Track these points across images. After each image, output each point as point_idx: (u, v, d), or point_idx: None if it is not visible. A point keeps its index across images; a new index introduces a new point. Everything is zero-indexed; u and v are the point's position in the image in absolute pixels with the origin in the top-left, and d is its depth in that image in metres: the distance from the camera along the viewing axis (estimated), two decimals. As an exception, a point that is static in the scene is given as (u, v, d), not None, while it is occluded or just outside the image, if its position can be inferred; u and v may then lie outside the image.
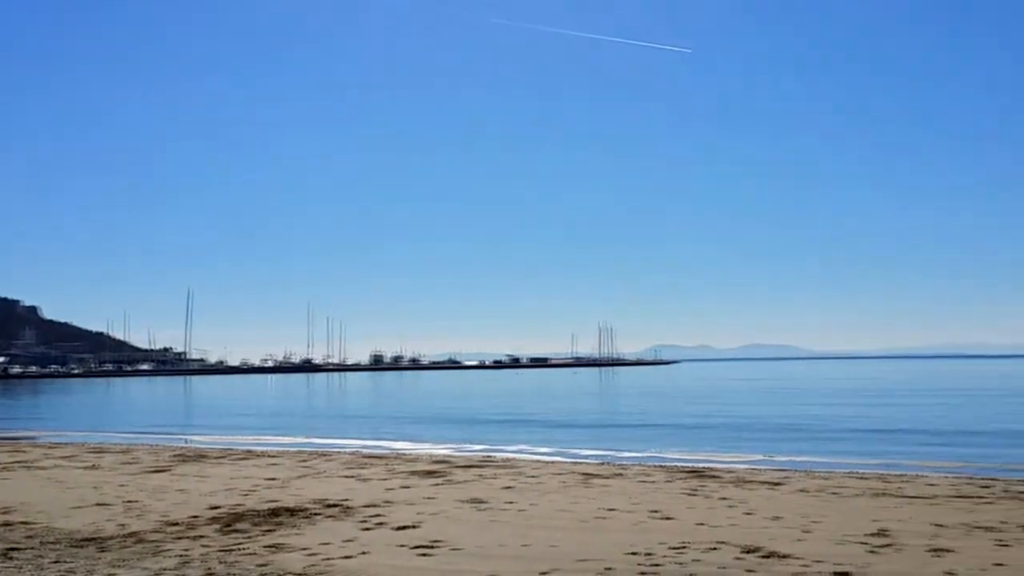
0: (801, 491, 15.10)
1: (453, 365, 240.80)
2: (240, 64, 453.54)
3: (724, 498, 14.10)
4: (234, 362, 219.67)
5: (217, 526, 11.72)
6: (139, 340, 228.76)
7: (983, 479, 17.34)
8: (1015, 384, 77.20)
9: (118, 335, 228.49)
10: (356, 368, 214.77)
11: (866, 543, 10.10)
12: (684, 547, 9.87)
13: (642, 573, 8.67)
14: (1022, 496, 14.40)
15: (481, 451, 25.10)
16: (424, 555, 9.70)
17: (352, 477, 17.47)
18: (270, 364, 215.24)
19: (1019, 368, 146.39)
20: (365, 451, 24.79)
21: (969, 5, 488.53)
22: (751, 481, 16.56)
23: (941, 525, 11.38)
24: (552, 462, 21.16)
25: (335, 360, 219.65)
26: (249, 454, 23.24)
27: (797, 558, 9.22)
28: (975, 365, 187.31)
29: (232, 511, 13.02)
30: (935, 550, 9.65)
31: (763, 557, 9.31)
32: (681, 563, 9.07)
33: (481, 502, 13.72)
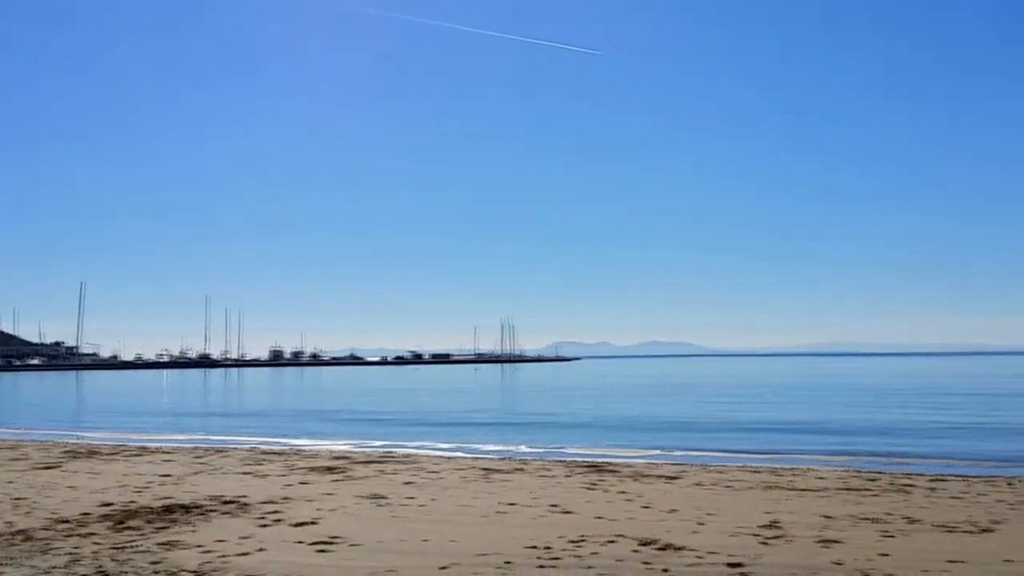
0: (697, 485, 15.42)
1: (354, 361, 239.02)
2: (131, 55, 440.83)
3: (622, 492, 14.31)
4: (128, 357, 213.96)
5: (109, 523, 11.42)
6: (28, 334, 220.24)
7: (870, 472, 17.94)
8: (901, 382, 79.91)
9: (7, 328, 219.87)
10: (255, 363, 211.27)
11: (758, 535, 10.37)
12: (583, 540, 9.99)
13: (541, 566, 8.75)
14: (907, 489, 14.95)
15: (382, 447, 24.97)
16: (322, 551, 9.61)
17: (249, 474, 17.20)
18: (166, 359, 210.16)
19: (906, 365, 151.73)
20: (263, 447, 24.44)
21: None
22: (648, 475, 16.83)
23: (830, 517, 11.75)
24: (453, 457, 21.16)
25: (233, 355, 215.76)
26: (143, 450, 22.68)
27: (692, 550, 9.42)
28: (864, 362, 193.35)
29: (125, 508, 12.71)
30: (824, 541, 9.96)
31: (659, 549, 9.48)
32: (579, 556, 9.18)
33: (381, 498, 13.66)
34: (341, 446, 25.38)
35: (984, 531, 10.75)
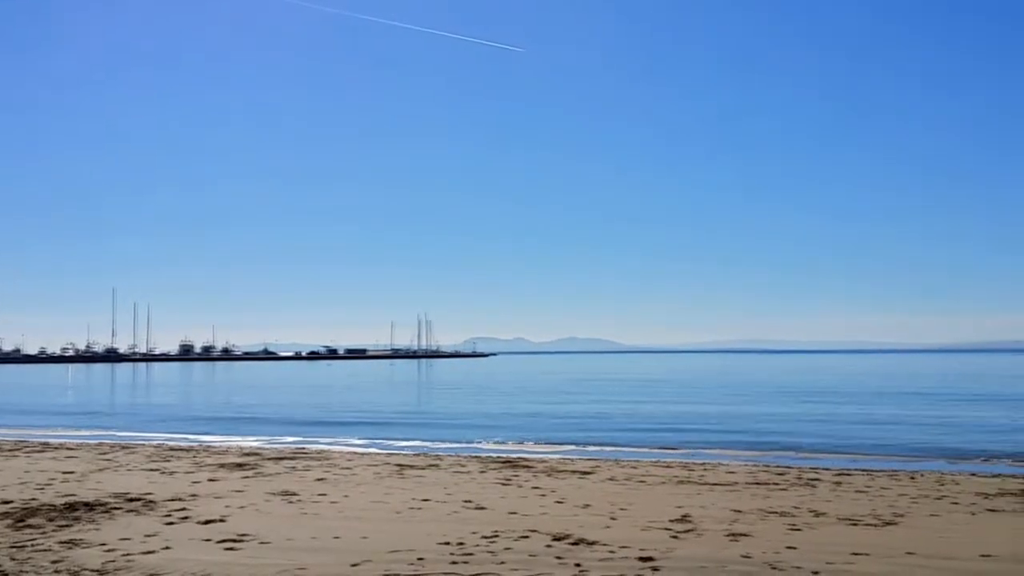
0: (610, 479, 15.54)
1: (267, 356, 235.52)
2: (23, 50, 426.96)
3: (536, 487, 14.35)
4: (32, 350, 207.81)
5: (8, 521, 11.03)
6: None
7: (778, 467, 18.30)
8: (809, 377, 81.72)
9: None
10: (164, 358, 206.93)
11: (670, 528, 10.47)
12: (496, 536, 9.97)
13: (454, 563, 8.70)
14: (813, 483, 15.28)
15: (294, 443, 24.65)
16: (230, 549, 9.42)
17: (156, 470, 16.81)
18: (71, 353, 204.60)
19: (814, 362, 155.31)
20: (170, 443, 23.92)
21: None
22: (562, 471, 16.91)
23: (739, 511, 11.93)
24: (366, 453, 21.00)
25: (141, 349, 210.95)
26: (45, 447, 21.99)
27: (604, 544, 9.47)
28: (773, 359, 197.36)
29: (25, 506, 12.29)
30: (733, 534, 10.11)
31: (572, 544, 9.51)
32: (492, 552, 9.15)
33: (292, 495, 13.46)
34: (252, 442, 24.98)
35: (887, 524, 11.02)
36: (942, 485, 15.24)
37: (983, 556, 8.95)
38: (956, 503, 12.96)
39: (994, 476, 17.09)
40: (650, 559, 8.78)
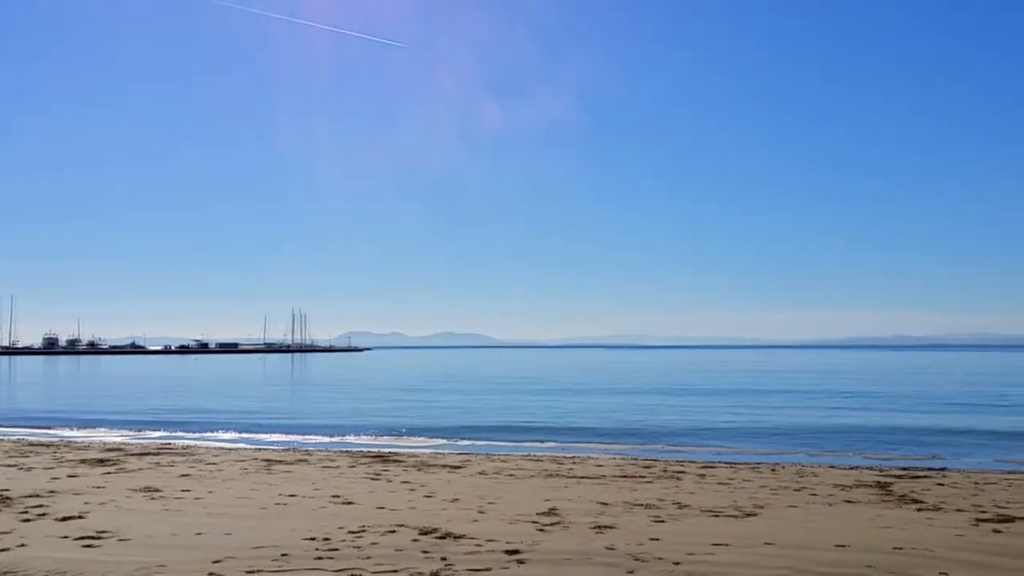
0: (480, 474, 15.57)
1: (135, 350, 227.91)
2: None
3: (406, 482, 14.27)
4: None
5: None
6: None
7: (646, 460, 18.66)
8: (677, 374, 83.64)
9: None
10: (27, 352, 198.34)
11: (537, 522, 10.54)
12: (363, 531, 9.86)
13: (319, 558, 8.56)
14: (678, 476, 15.62)
15: (159, 439, 23.96)
16: (89, 546, 9.05)
17: (13, 466, 16.08)
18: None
19: (689, 357, 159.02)
20: (30, 439, 22.96)
21: None
22: (433, 465, 16.87)
23: (605, 503, 12.10)
24: (234, 449, 20.54)
25: (3, 343, 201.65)
26: None
27: (472, 538, 9.46)
28: (648, 355, 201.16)
29: None
30: (598, 527, 10.23)
31: (439, 538, 9.47)
32: (359, 547, 9.04)
33: (155, 491, 13.04)
34: (115, 438, 24.17)
35: (748, 515, 11.33)
36: (801, 477, 15.77)
37: (838, 546, 9.26)
38: (815, 495, 13.41)
39: (851, 468, 17.77)
40: (516, 552, 8.81)
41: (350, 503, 11.98)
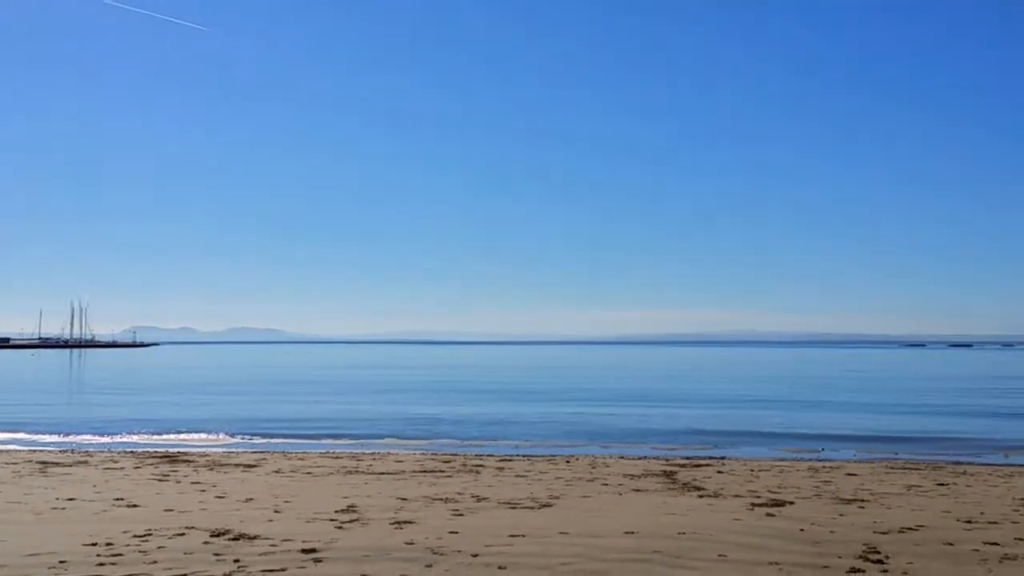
0: (276, 472, 15.23)
1: None
2: None
3: (196, 482, 13.77)
4: None
5: None
6: None
7: (445, 455, 18.76)
8: (472, 371, 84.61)
9: None
10: None
11: (335, 519, 10.39)
12: (149, 534, 9.42)
13: (101, 564, 8.12)
14: (477, 469, 15.79)
15: (-81, 442, 22.15)
16: None
17: None
18: None
19: (485, 353, 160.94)
20: None
21: None
22: (225, 464, 16.36)
23: (405, 499, 12.08)
24: (5, 451, 19.23)
25: None
26: None
27: (266, 538, 9.22)
28: (441, 350, 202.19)
29: None
30: (398, 522, 10.20)
31: (232, 539, 9.17)
32: (144, 551, 8.64)
33: (-87, 498, 12.04)
34: None
35: (544, 506, 11.58)
36: (594, 468, 16.27)
37: (627, 533, 9.60)
38: (606, 484, 13.87)
39: (640, 458, 18.48)
40: (313, 551, 8.65)
41: (135, 506, 11.43)
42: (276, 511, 11.04)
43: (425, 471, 15.49)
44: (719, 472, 15.74)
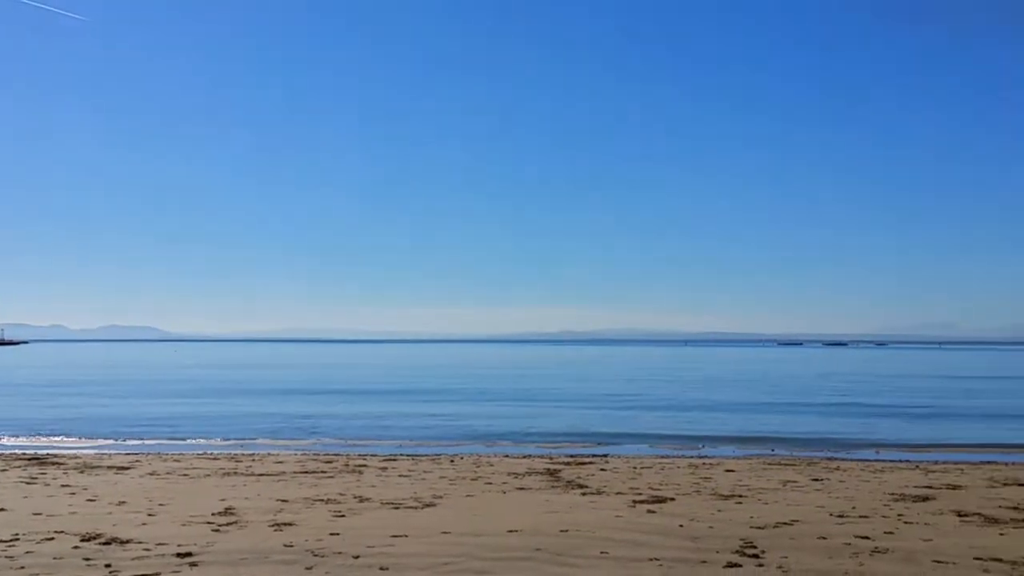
0: (151, 474, 14.80)
1: None
2: None
3: (66, 485, 13.28)
4: None
5: None
6: None
7: (327, 455, 18.52)
8: (354, 369, 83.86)
9: None
10: None
11: (212, 522, 10.14)
12: (16, 539, 9.04)
13: (-39, 573, 7.76)
14: (360, 469, 15.66)
15: None
16: None
17: None
18: None
19: (361, 351, 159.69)
20: None
21: None
22: (97, 466, 15.82)
23: (285, 500, 11.88)
24: None
25: None
26: None
27: (140, 542, 8.93)
28: (324, 349, 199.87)
29: None
30: (277, 524, 10.01)
31: (103, 544, 8.86)
32: (11, 556, 8.29)
33: None
34: None
35: (427, 505, 11.54)
36: (478, 467, 16.29)
37: (510, 531, 9.63)
38: (490, 483, 13.90)
39: (524, 457, 18.59)
40: (188, 554, 8.43)
41: (1, 510, 10.95)
42: (150, 514, 10.72)
43: (306, 472, 15.26)
44: (602, 470, 15.93)
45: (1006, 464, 17.74)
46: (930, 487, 13.70)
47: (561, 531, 9.66)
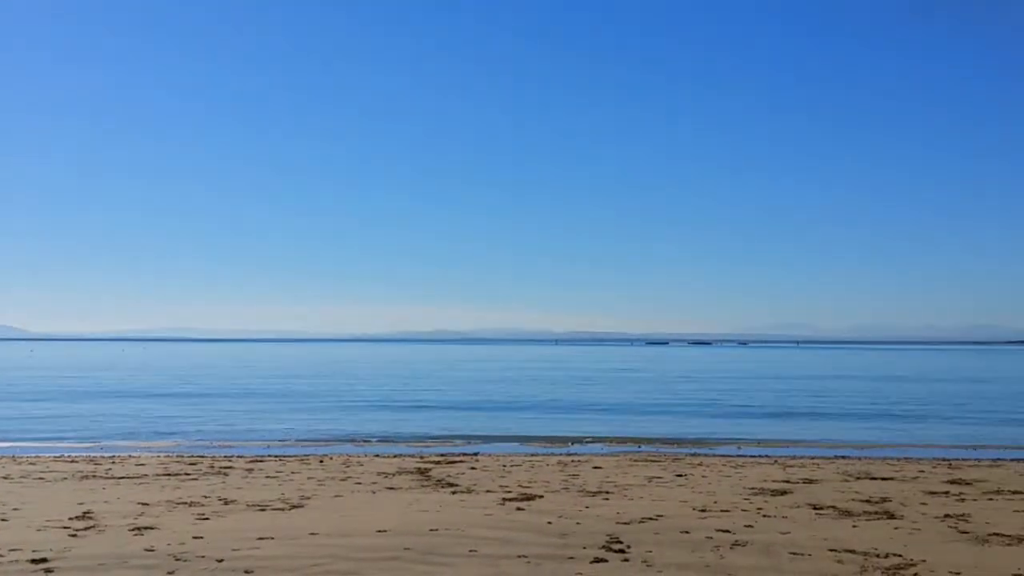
0: (4, 478, 14.21)
1: None
2: None
3: (-91, 491, 12.63)
4: None
5: None
6: None
7: (191, 456, 18.10)
8: (225, 368, 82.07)
9: None
10: None
11: (68, 527, 9.80)
12: None
13: None
14: (226, 471, 15.34)
15: None
16: None
17: None
18: None
19: (238, 350, 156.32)
20: None
21: None
22: (-55, 471, 15.10)
23: (146, 503, 11.56)
24: None
25: None
26: None
27: (-10, 549, 8.58)
28: (194, 347, 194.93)
29: None
30: (137, 528, 9.73)
31: (-50, 552, 8.48)
32: None
33: None
34: None
35: (294, 507, 11.40)
36: (348, 467, 16.17)
37: (379, 531, 9.61)
38: (359, 483, 13.82)
39: (395, 456, 18.53)
40: (44, 560, 8.13)
41: None
42: (2, 519, 10.30)
43: (169, 474, 14.88)
44: (472, 468, 16.02)
45: (858, 459, 18.56)
46: (787, 481, 14.25)
47: (430, 530, 9.69)
